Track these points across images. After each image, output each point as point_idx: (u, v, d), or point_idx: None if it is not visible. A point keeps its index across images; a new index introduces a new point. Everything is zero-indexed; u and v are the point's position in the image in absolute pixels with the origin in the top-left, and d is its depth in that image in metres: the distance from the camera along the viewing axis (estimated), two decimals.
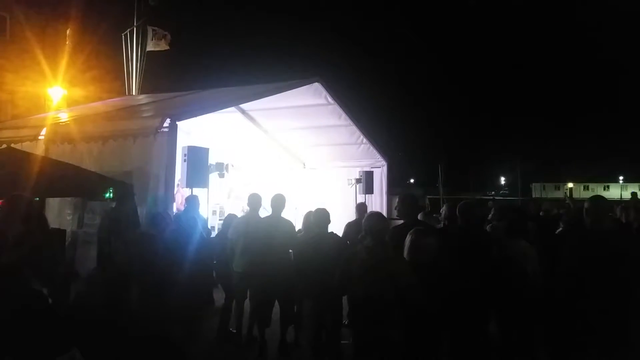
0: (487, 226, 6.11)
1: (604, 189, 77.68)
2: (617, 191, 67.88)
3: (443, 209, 5.75)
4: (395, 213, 5.70)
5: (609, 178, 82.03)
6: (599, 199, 4.71)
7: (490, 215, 6.86)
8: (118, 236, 6.17)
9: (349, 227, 7.27)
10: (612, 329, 4.13)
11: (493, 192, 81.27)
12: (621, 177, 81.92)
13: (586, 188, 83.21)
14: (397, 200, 5.53)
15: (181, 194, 9.87)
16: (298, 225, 6.92)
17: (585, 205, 4.53)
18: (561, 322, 4.59)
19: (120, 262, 6.06)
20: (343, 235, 6.78)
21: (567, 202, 6.52)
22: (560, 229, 6.48)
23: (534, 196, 74.64)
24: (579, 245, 4.46)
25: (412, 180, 77.13)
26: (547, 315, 4.74)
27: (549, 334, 4.83)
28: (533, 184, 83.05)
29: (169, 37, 16.94)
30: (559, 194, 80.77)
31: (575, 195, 79.38)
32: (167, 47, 17.00)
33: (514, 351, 4.77)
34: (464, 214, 5.05)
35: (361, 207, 7.98)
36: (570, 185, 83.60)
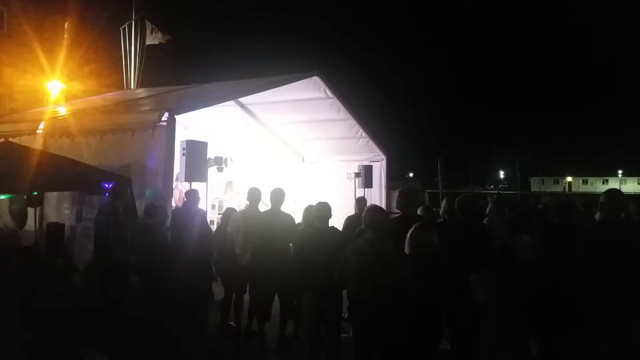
0: (485, 220, 6.11)
1: (603, 183, 77.80)
2: (616, 185, 67.96)
3: (442, 203, 5.75)
4: (395, 206, 5.71)
5: (608, 172, 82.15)
6: (615, 191, 4.66)
7: (487, 209, 6.86)
8: (115, 229, 6.17)
9: (350, 221, 7.26)
10: (619, 324, 4.10)
11: (492, 186, 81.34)
12: (620, 171, 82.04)
13: (585, 182, 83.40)
14: (397, 193, 5.52)
15: (179, 189, 9.84)
16: (297, 219, 6.92)
17: (601, 198, 4.47)
18: (561, 316, 4.58)
19: (119, 254, 6.09)
20: (343, 229, 6.77)
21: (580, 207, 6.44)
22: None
23: (532, 190, 74.71)
24: (592, 239, 4.38)
25: (411, 174, 77.21)
26: (546, 310, 4.73)
27: (545, 329, 4.81)
28: (532, 177, 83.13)
29: (167, 34, 16.89)
30: (557, 188, 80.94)
31: (574, 189, 79.68)
32: (164, 41, 16.93)
33: (509, 344, 4.77)
34: (463, 208, 5.04)
35: (361, 201, 7.97)
36: (569, 179, 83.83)
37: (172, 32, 17.29)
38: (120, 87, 16.43)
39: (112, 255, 6.08)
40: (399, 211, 5.33)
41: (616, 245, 4.18)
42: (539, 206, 10.08)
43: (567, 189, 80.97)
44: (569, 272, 4.42)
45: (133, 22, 16.57)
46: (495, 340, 4.74)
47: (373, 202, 10.78)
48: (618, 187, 47.56)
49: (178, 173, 8.31)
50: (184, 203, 7.51)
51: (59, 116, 9.42)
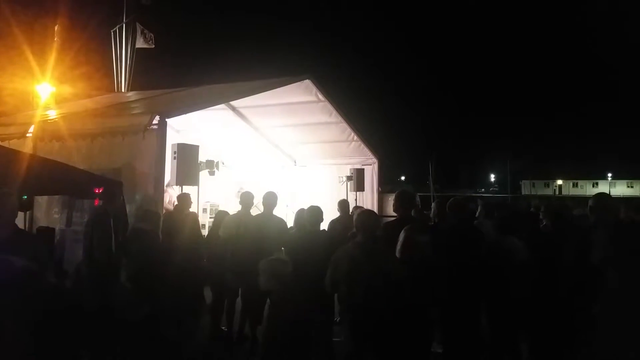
0: (475, 222, 6.13)
1: (593, 186, 78.31)
2: (606, 188, 68.43)
3: (433, 206, 5.76)
4: (387, 210, 5.76)
5: (598, 175, 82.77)
6: (603, 195, 4.67)
7: (477, 212, 6.88)
8: (100, 233, 6.11)
9: (333, 223, 7.28)
10: (608, 325, 4.11)
11: (483, 189, 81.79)
12: (609, 174, 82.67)
13: (575, 185, 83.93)
14: (393, 196, 5.53)
15: (169, 193, 9.79)
16: (289, 223, 6.90)
17: (590, 202, 4.48)
18: (552, 320, 4.61)
19: (102, 258, 6.02)
20: (328, 232, 6.78)
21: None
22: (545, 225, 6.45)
23: (523, 193, 75.15)
24: (583, 241, 4.38)
25: (402, 178, 77.43)
26: (536, 312, 4.75)
27: (536, 331, 4.83)
28: (522, 181, 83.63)
29: (152, 37, 16.87)
30: (548, 191, 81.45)
31: (564, 192, 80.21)
32: (152, 46, 16.91)
33: (501, 346, 4.79)
34: (453, 211, 5.07)
35: (344, 204, 7.98)
36: (559, 182, 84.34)
37: (163, 35, 17.27)
38: (111, 90, 16.33)
39: (95, 259, 6.02)
40: (396, 214, 5.35)
41: (607, 247, 4.20)
42: (531, 209, 10.14)
43: (557, 192, 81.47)
44: (560, 274, 4.45)
45: (124, 25, 16.52)
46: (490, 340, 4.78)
47: (365, 206, 10.80)
48: (608, 190, 48.10)
49: (169, 179, 8.26)
50: (176, 207, 7.48)
51: (49, 119, 9.36)
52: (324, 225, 6.11)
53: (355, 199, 11.89)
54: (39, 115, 10.22)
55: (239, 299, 6.58)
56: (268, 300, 4.82)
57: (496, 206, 7.19)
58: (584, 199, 5.92)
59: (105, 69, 17.65)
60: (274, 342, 3.91)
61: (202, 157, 9.87)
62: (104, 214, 6.20)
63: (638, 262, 4.05)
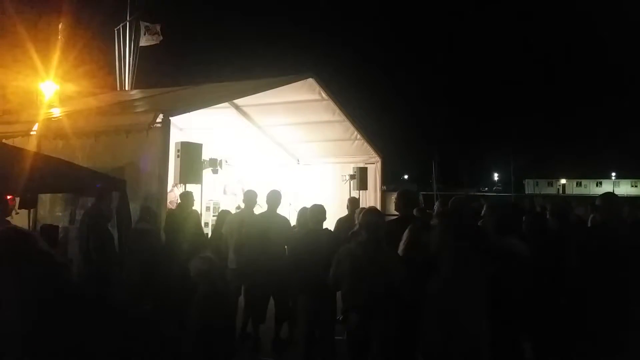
0: (479, 222, 6.11)
1: (597, 185, 78.14)
2: (610, 187, 68.23)
3: (436, 206, 5.75)
4: (390, 209, 5.75)
5: (602, 174, 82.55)
6: (610, 195, 4.67)
7: (482, 212, 6.87)
8: (94, 231, 6.12)
9: (340, 222, 7.25)
10: (613, 329, 4.10)
11: (486, 188, 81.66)
12: (613, 174, 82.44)
13: (579, 184, 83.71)
14: (395, 195, 5.52)
15: (175, 193, 9.81)
16: (292, 221, 6.91)
17: (597, 201, 4.48)
18: (552, 321, 4.60)
19: (98, 256, 6.03)
20: (334, 231, 6.78)
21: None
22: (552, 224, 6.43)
23: (527, 192, 74.98)
24: (589, 242, 4.39)
25: (406, 177, 77.33)
26: (536, 313, 4.74)
27: (538, 332, 4.82)
28: (526, 180, 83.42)
29: (158, 28, 16.83)
30: (551, 190, 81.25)
31: (568, 191, 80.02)
32: (157, 42, 16.91)
33: (502, 346, 4.78)
34: (456, 210, 5.06)
35: (354, 202, 7.93)
36: (563, 181, 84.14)
37: (167, 34, 17.27)
38: (115, 89, 16.38)
39: (93, 260, 6.02)
40: (397, 213, 5.34)
41: (611, 247, 4.20)
42: (538, 208, 10.10)
43: (561, 191, 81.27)
44: (565, 273, 4.44)
45: (127, 23, 16.56)
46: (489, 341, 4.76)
47: (368, 204, 10.78)
48: (611, 190, 47.89)
49: (175, 179, 8.26)
50: (178, 205, 7.50)
51: (53, 118, 9.39)
52: (331, 224, 6.10)
53: (358, 198, 11.88)
54: (43, 113, 10.27)
55: (241, 297, 6.59)
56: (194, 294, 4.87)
57: (500, 205, 7.17)
58: (587, 198, 5.91)
59: (109, 67, 17.72)
60: (203, 337, 3.98)
61: (206, 156, 9.88)
62: (99, 215, 6.20)
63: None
